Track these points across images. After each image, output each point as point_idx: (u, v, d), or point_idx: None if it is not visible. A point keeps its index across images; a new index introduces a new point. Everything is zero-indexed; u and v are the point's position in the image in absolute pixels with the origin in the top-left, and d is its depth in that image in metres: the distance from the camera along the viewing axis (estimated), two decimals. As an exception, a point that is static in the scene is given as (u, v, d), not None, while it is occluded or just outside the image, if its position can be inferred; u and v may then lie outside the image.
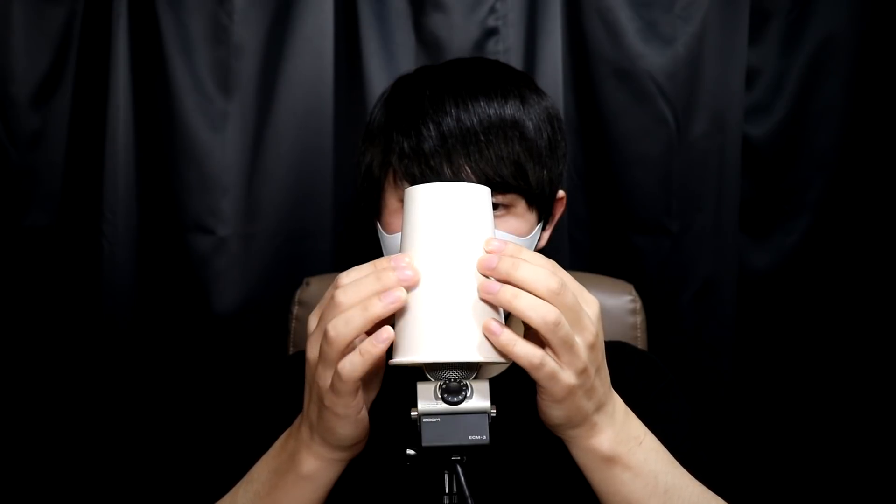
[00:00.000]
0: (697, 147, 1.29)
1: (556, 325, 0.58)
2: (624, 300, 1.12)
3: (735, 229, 1.32)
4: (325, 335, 0.60)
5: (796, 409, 1.37)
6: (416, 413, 0.63)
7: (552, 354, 0.60)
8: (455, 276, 0.61)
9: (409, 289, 0.61)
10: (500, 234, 0.79)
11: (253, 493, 0.72)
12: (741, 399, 1.35)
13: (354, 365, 0.59)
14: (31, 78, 1.23)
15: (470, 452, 0.64)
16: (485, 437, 0.63)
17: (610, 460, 0.66)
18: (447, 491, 0.66)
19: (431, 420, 0.63)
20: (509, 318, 0.63)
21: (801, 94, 1.33)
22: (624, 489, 0.67)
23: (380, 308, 0.59)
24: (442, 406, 0.63)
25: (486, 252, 0.62)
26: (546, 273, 0.60)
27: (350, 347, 0.59)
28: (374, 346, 0.59)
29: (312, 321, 0.65)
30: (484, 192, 0.65)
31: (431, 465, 0.66)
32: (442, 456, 0.64)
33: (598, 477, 0.67)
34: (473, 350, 0.61)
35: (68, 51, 1.25)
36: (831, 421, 1.36)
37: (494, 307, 0.62)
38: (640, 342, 1.11)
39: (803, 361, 1.37)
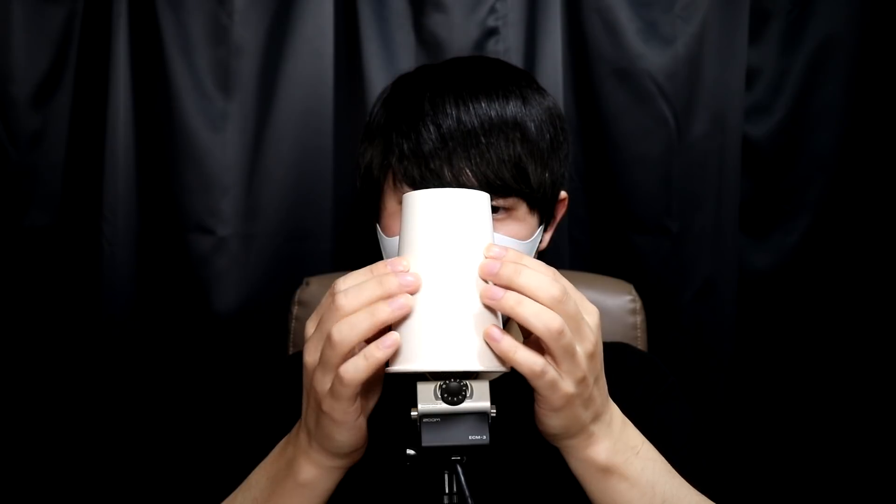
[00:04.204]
0: (697, 147, 1.29)
1: (560, 333, 0.58)
2: (624, 300, 1.12)
3: (735, 229, 1.32)
4: (328, 338, 0.59)
5: (796, 409, 1.37)
6: (415, 413, 0.63)
7: (552, 362, 0.60)
8: (454, 282, 0.61)
9: (410, 294, 0.60)
10: (500, 239, 0.79)
11: (251, 499, 0.71)
12: (741, 399, 1.35)
13: (358, 368, 0.58)
14: (31, 78, 1.23)
15: (470, 452, 0.63)
16: (485, 438, 0.63)
17: (606, 470, 0.66)
18: (447, 491, 0.66)
19: (431, 420, 0.63)
20: (508, 326, 0.62)
21: (801, 94, 1.33)
22: (621, 499, 0.66)
23: (387, 313, 0.59)
24: (442, 406, 0.62)
25: (487, 258, 0.61)
26: (548, 280, 0.59)
27: (352, 352, 0.59)
28: (379, 351, 0.58)
29: (310, 326, 0.64)
30: (483, 197, 0.64)
31: (431, 466, 0.66)
32: (442, 456, 0.64)
33: (595, 487, 0.67)
34: (473, 358, 0.60)
35: (68, 51, 1.25)
36: (831, 421, 1.36)
37: (494, 314, 0.61)
38: (640, 342, 1.11)
39: (803, 361, 1.37)
